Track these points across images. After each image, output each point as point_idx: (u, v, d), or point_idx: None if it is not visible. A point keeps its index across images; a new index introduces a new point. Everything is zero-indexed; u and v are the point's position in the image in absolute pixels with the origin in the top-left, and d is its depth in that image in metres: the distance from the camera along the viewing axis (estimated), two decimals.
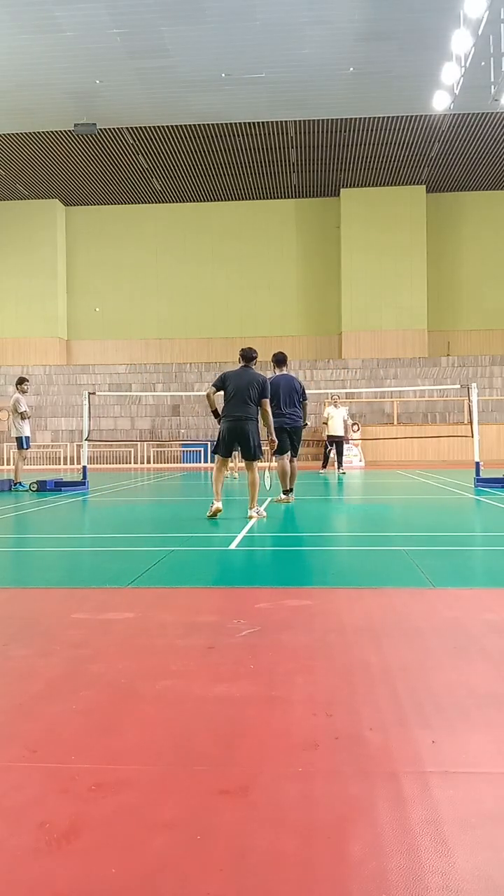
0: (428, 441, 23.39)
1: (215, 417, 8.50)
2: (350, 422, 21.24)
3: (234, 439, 8.20)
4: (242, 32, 18.72)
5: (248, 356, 8.39)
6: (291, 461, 9.95)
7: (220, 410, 8.39)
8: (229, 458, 8.52)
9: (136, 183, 29.84)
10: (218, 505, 8.04)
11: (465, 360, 28.73)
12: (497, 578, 4.85)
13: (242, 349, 8.51)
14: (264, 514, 8.17)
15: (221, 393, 8.33)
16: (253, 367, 8.39)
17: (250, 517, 7.98)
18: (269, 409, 8.29)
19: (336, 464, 17.12)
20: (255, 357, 8.43)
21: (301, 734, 2.25)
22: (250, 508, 8.11)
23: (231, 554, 5.90)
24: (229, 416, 8.17)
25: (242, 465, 9.12)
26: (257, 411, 8.22)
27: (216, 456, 8.38)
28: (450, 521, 8.26)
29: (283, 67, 20.49)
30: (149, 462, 25.64)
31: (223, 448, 8.25)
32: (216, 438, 8.39)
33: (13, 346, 31.74)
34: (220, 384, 8.29)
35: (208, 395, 8.47)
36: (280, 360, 10.10)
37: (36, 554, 6.25)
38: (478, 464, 12.93)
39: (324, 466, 17.62)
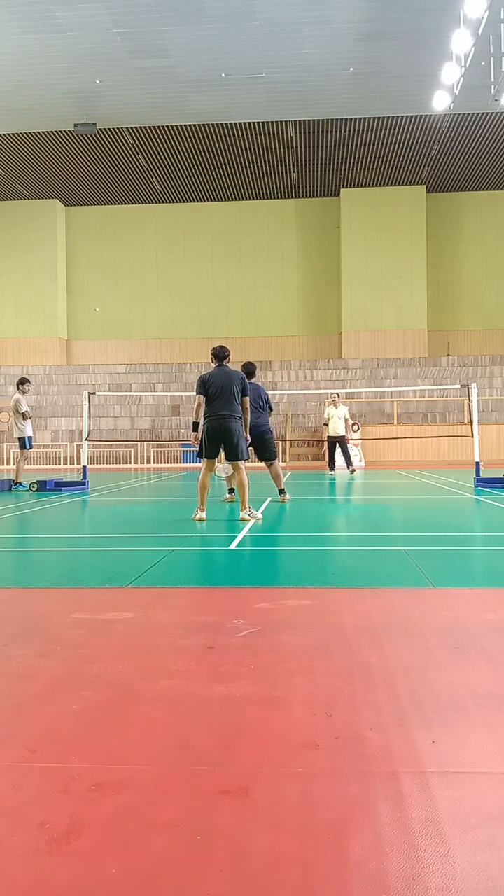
0: (428, 441, 23.38)
1: (195, 430, 8.13)
2: (350, 421, 21.19)
3: (220, 439, 7.96)
4: (242, 32, 18.73)
5: (220, 355, 8.14)
6: (272, 464, 9.81)
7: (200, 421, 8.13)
8: (216, 460, 8.26)
9: (136, 183, 29.84)
10: (202, 515, 7.82)
11: (465, 360, 28.73)
12: (497, 578, 4.84)
13: (214, 348, 8.23)
14: (259, 516, 7.93)
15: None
16: (228, 364, 8.18)
17: (242, 519, 7.78)
18: (248, 407, 8.13)
19: (346, 464, 16.94)
20: (228, 355, 8.21)
21: (301, 734, 2.25)
22: (242, 510, 7.88)
23: (231, 554, 5.90)
24: (214, 415, 7.91)
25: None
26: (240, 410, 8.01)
27: (202, 460, 8.11)
28: (450, 521, 8.25)
29: (283, 67, 20.50)
30: (149, 462, 25.64)
31: (209, 448, 7.99)
32: (199, 441, 8.09)
33: (13, 346, 31.75)
34: (204, 389, 7.99)
35: (199, 406, 8.04)
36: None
37: (36, 554, 6.24)
38: (478, 464, 12.94)
39: (336, 467, 17.44)
